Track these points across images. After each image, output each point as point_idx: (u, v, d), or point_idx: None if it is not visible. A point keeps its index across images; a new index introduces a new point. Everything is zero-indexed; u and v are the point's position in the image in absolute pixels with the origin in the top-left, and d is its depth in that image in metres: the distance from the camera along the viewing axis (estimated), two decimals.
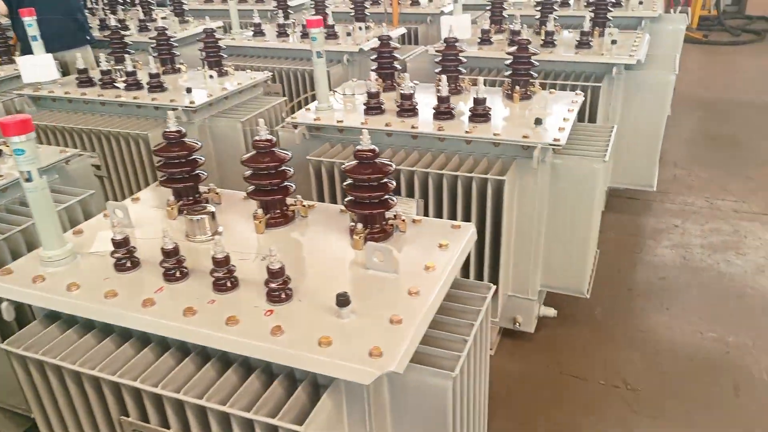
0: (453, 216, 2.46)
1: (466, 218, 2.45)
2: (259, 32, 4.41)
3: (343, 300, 1.36)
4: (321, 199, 2.66)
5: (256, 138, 1.75)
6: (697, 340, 2.86)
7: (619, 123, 3.59)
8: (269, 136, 1.76)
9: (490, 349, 2.83)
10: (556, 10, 4.01)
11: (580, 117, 3.40)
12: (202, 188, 1.96)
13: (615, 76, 3.40)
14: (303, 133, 2.72)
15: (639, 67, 3.48)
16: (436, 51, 2.93)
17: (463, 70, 2.92)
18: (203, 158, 1.91)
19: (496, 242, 2.47)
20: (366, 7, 4.47)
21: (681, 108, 5.94)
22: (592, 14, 3.87)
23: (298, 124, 2.72)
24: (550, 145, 2.33)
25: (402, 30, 4.49)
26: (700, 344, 2.83)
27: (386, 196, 1.68)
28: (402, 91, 2.62)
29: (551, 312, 2.88)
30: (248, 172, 1.78)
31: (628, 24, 4.63)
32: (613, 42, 3.42)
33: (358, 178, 1.66)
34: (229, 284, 1.50)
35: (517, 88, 2.77)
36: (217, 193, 1.97)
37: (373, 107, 2.68)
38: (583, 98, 2.83)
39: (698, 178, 4.47)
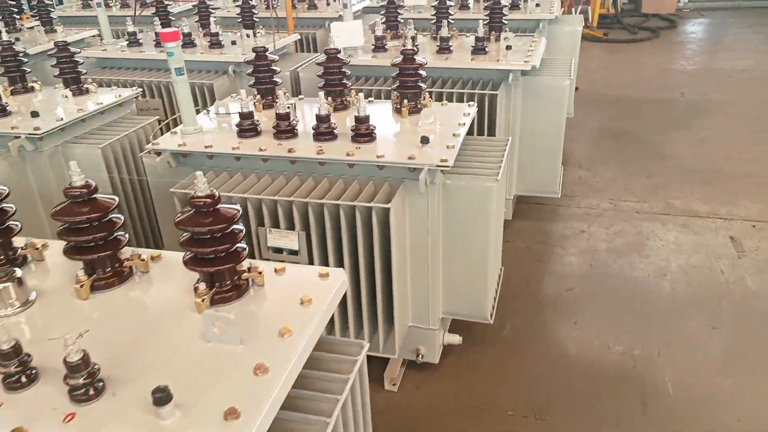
0: (339, 248, 2.22)
1: (353, 249, 2.22)
2: (134, 42, 4.00)
3: (160, 398, 1.08)
4: None
5: (68, 186, 1.43)
6: (605, 354, 2.77)
7: (520, 130, 3.49)
8: (85, 181, 1.44)
9: (393, 385, 2.62)
10: (451, 14, 3.85)
11: (479, 126, 3.26)
12: (19, 241, 1.62)
13: (511, 82, 3.28)
14: (168, 161, 2.40)
15: (535, 73, 3.38)
16: (317, 64, 2.69)
17: (348, 83, 2.69)
18: (12, 206, 1.57)
19: (390, 271, 2.26)
20: (254, 12, 4.15)
21: (585, 107, 6.01)
22: (488, 19, 3.75)
23: (161, 151, 2.40)
24: (438, 166, 2.13)
25: (295, 36, 4.22)
26: (608, 359, 2.74)
27: (235, 247, 1.42)
28: (278, 111, 2.36)
29: (456, 339, 2.70)
30: (61, 227, 1.46)
31: (527, 27, 4.58)
32: (508, 48, 3.30)
33: (197, 231, 1.39)
34: (23, 379, 1.19)
35: (406, 102, 2.56)
36: (37, 249, 1.63)
37: (247, 129, 2.40)
38: (476, 109, 2.67)
39: (602, 179, 4.47)
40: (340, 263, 2.25)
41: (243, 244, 1.46)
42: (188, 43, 3.91)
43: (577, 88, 6.59)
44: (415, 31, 3.57)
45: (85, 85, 3.05)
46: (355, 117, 2.29)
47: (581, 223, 3.87)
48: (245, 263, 1.47)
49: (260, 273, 1.47)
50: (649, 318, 2.97)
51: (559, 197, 3.71)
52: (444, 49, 3.46)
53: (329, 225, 2.18)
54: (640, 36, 9.03)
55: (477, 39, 3.40)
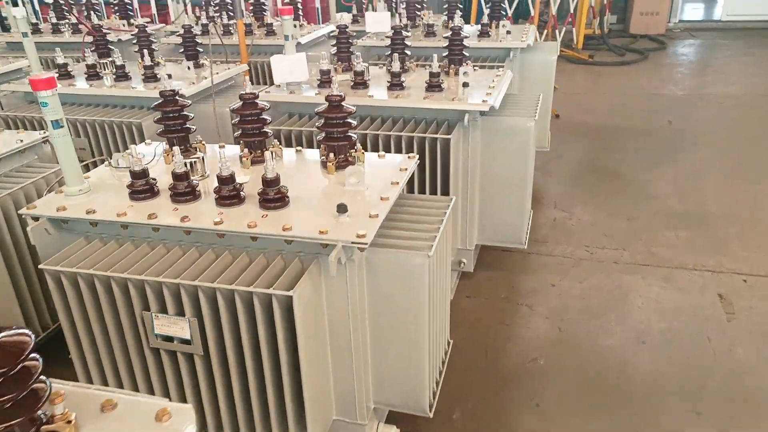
0: (238, 337, 1.84)
1: (255, 345, 1.84)
2: (65, 74, 3.65)
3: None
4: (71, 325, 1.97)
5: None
6: None
7: (480, 176, 3.13)
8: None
9: None
10: (408, 44, 3.51)
11: (432, 171, 2.91)
12: None
13: (468, 124, 2.92)
14: (45, 228, 2.02)
15: (497, 112, 3.03)
16: (231, 110, 2.32)
17: (270, 132, 2.32)
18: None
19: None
20: (197, 42, 3.80)
21: (564, 137, 5.66)
22: (446, 50, 3.40)
23: (38, 216, 2.02)
24: (353, 243, 1.76)
25: (242, 67, 3.87)
26: None
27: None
28: (174, 170, 1.99)
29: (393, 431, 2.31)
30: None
31: (497, 56, 4.24)
32: (465, 85, 2.95)
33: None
34: None
35: (332, 156, 2.20)
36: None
37: (140, 190, 2.03)
38: (417, 162, 2.31)
39: (579, 221, 4.11)
40: (240, 355, 1.87)
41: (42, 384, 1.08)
42: (121, 75, 3.56)
43: (557, 116, 6.26)
44: (365, 64, 3.22)
45: None
46: (263, 178, 1.92)
47: (553, 274, 3.50)
48: (52, 408, 1.09)
49: (69, 422, 1.10)
50: (623, 399, 2.58)
51: (525, 247, 3.34)
52: (395, 85, 3.11)
53: (224, 312, 1.80)
54: (627, 58, 8.73)
55: (431, 74, 3.05)
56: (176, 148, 2.00)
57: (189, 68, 3.60)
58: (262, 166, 2.25)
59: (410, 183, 2.97)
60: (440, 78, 3.06)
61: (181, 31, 3.81)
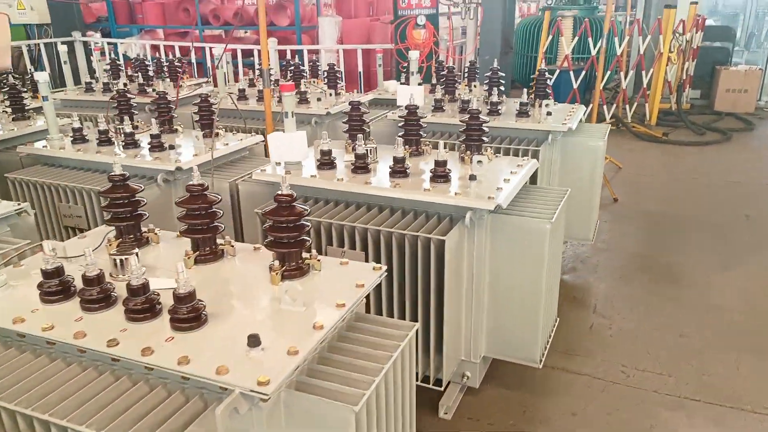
0: None
1: None
2: (79, 139, 3.60)
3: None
4: None
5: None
6: None
7: (490, 280, 2.71)
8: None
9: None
10: (420, 125, 3.19)
11: (425, 273, 2.52)
12: None
13: (471, 223, 2.54)
14: None
15: (510, 210, 2.63)
16: (175, 203, 2.07)
17: (221, 227, 2.05)
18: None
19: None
20: (213, 111, 3.67)
21: (620, 225, 5.10)
22: (462, 138, 3.06)
23: None
24: (253, 392, 1.41)
25: (255, 139, 3.69)
26: None
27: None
28: (85, 273, 1.74)
29: None
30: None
31: (536, 138, 3.85)
32: (472, 178, 2.57)
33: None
34: None
35: (277, 264, 1.89)
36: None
37: (50, 292, 1.78)
38: (383, 274, 1.95)
39: (619, 331, 3.54)
40: None
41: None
42: (130, 143, 3.46)
43: (615, 199, 5.71)
44: (373, 145, 2.95)
45: None
46: (173, 293, 1.62)
47: (576, 399, 2.95)
48: None
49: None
50: None
51: (540, 367, 2.83)
52: (398, 172, 2.78)
53: None
54: (706, 138, 8.02)
55: (437, 163, 2.71)
56: (88, 249, 1.75)
57: (197, 138, 3.47)
58: (210, 267, 2.00)
59: (400, 284, 2.60)
60: (446, 167, 2.72)
61: (210, 98, 3.72)
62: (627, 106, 8.53)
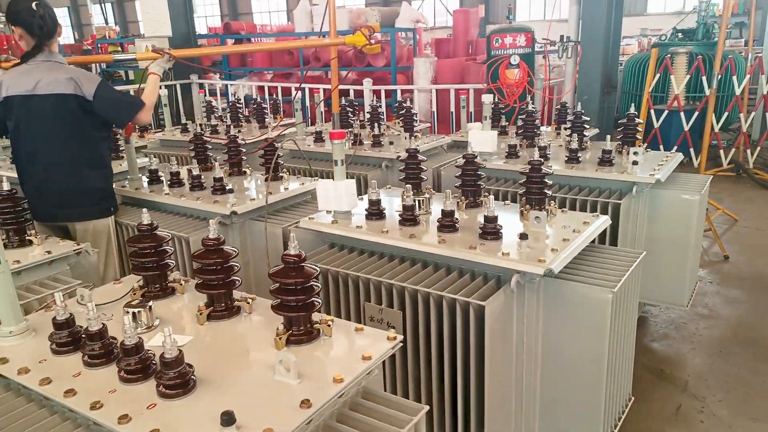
0: None
1: None
2: (154, 179, 3.76)
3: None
4: None
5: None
6: None
7: (542, 353, 2.42)
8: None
9: None
10: (479, 175, 2.98)
11: (465, 340, 2.29)
12: None
13: (517, 287, 2.28)
14: None
15: (568, 275, 2.35)
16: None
17: (238, 281, 1.97)
18: None
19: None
20: (279, 154, 3.69)
21: (726, 288, 4.49)
22: (523, 191, 2.81)
23: None
24: None
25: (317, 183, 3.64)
26: None
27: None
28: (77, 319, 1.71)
29: None
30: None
31: (619, 189, 3.49)
32: (523, 237, 2.31)
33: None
34: None
35: (281, 327, 1.76)
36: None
37: (61, 343, 1.78)
38: (398, 344, 1.76)
39: (711, 419, 3.03)
40: None
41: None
42: (196, 185, 3.54)
43: (726, 257, 5.07)
44: (426, 195, 2.79)
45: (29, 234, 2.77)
46: (160, 357, 1.55)
47: None
48: None
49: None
50: None
51: None
52: (445, 226, 2.60)
53: None
54: None
55: (486, 219, 2.49)
56: (91, 303, 1.72)
57: (258, 182, 3.49)
58: (222, 324, 1.92)
59: (439, 351, 2.38)
60: (497, 223, 2.49)
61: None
62: (749, 151, 7.68)
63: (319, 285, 1.82)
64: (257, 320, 1.96)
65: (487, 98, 4.01)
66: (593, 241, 2.64)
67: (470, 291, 2.30)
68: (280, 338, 1.75)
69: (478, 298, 2.23)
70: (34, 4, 2.98)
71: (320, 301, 1.82)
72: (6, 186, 2.74)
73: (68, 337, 1.79)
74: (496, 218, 2.48)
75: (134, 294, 2.11)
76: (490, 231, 2.48)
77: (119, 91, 3.54)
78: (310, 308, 1.78)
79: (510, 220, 2.68)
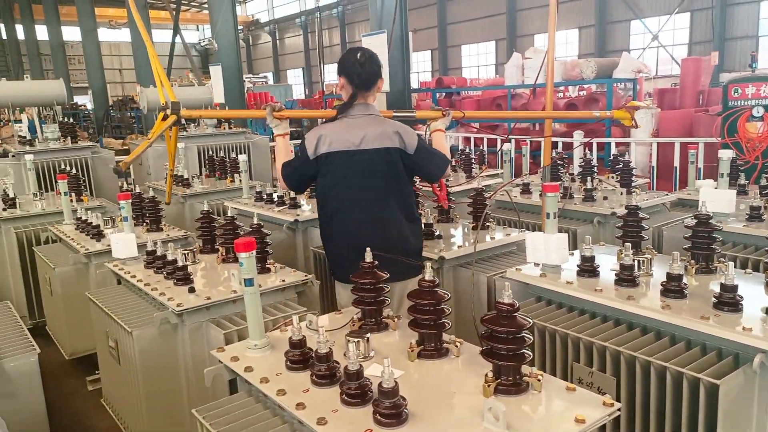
0: None
1: None
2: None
3: None
4: None
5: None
6: None
7: None
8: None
9: None
10: (715, 238, 2.67)
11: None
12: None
13: (763, 364, 1.98)
14: (219, 373, 2.18)
15: None
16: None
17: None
18: None
19: None
20: (485, 205, 3.74)
21: None
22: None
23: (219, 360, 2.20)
24: None
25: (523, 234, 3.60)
26: None
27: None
28: (318, 350, 1.90)
29: None
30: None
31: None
32: None
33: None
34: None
35: (490, 374, 1.76)
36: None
37: (294, 360, 2.00)
38: None
39: None
40: None
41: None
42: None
43: None
44: (647, 255, 2.59)
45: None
46: (381, 387, 1.65)
47: None
48: None
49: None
50: None
51: None
52: (672, 291, 2.37)
53: None
54: None
55: (723, 287, 2.22)
56: (322, 329, 1.91)
57: (465, 230, 3.57)
58: (431, 363, 1.99)
59: (659, 428, 2.15)
60: (737, 294, 2.20)
61: None
62: None
63: (531, 337, 1.80)
64: (464, 364, 1.99)
65: (725, 153, 3.61)
66: None
67: (701, 366, 2.05)
68: (488, 385, 1.76)
69: (711, 375, 1.98)
70: (359, 55, 2.98)
71: (531, 353, 1.79)
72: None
73: (300, 356, 2.01)
74: (736, 287, 2.20)
75: (353, 325, 2.29)
76: (728, 301, 2.20)
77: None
78: (521, 359, 1.76)
79: (751, 291, 2.35)
